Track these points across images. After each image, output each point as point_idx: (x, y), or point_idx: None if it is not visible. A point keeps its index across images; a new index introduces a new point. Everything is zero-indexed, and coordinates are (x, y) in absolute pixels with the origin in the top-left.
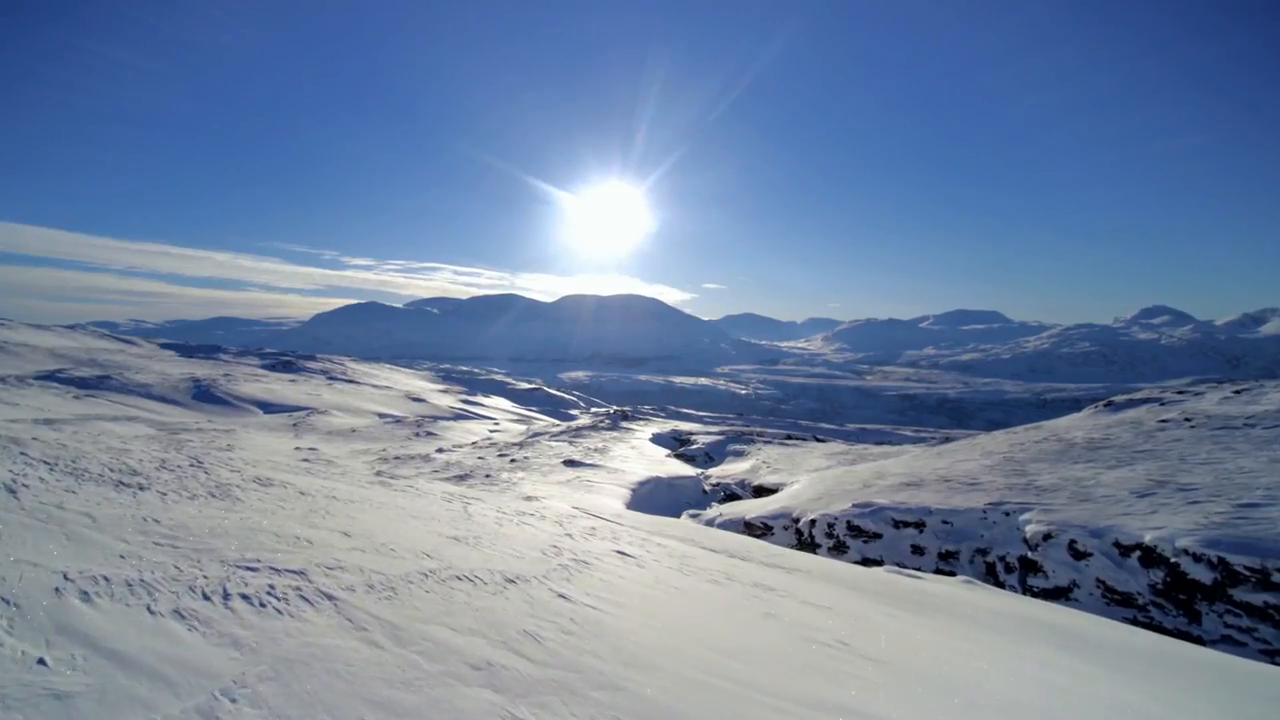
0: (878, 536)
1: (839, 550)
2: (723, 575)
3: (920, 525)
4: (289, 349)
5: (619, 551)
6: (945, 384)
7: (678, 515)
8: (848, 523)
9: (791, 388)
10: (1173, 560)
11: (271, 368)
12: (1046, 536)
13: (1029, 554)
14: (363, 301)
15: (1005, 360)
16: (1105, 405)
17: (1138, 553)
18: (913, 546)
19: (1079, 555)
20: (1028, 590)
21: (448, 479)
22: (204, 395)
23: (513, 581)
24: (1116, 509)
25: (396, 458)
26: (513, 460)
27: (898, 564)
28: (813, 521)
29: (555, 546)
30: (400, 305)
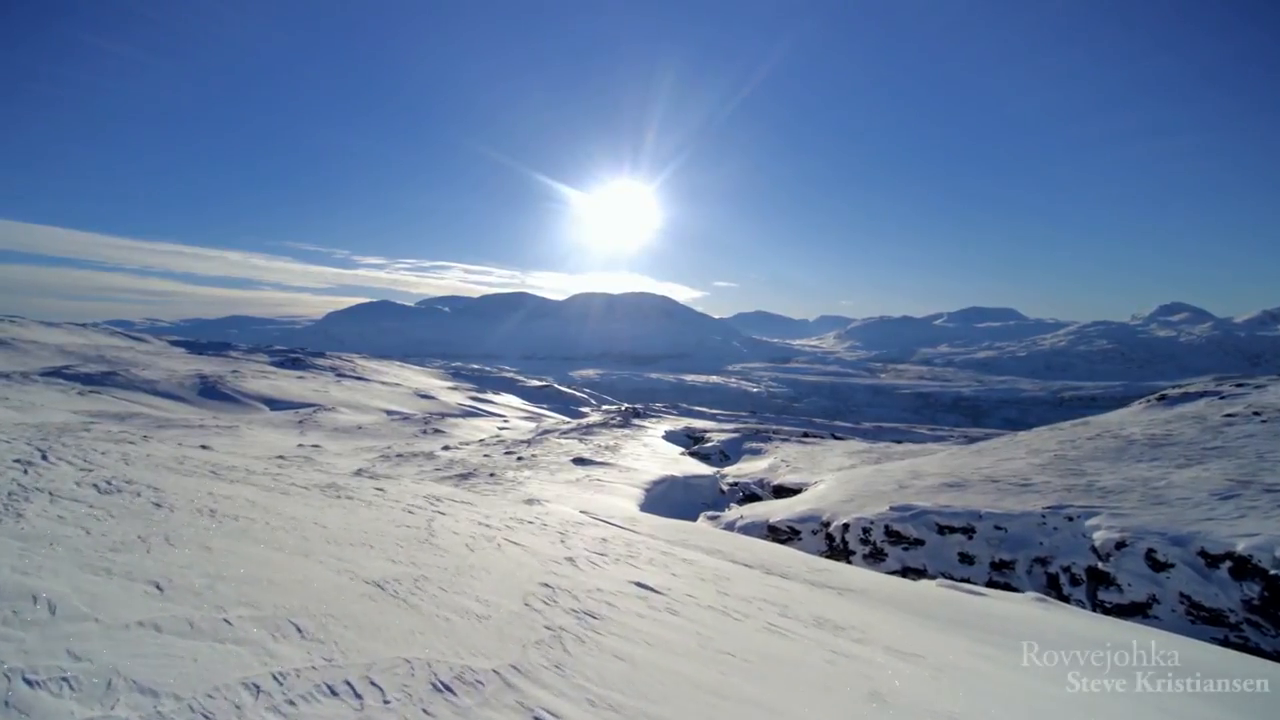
0: (920, 543)
1: (876, 558)
2: (776, 610)
3: (969, 531)
4: (302, 347)
5: (638, 584)
6: (960, 382)
7: (694, 517)
8: (885, 527)
9: (804, 386)
10: (1272, 572)
11: (280, 365)
12: (1119, 545)
13: (1099, 565)
14: (375, 300)
15: (1021, 358)
16: (1159, 399)
17: (1228, 563)
18: (961, 555)
19: (1158, 566)
20: (1098, 605)
21: (449, 478)
22: (210, 392)
23: (448, 688)
24: (1197, 513)
25: (399, 455)
26: (519, 458)
27: (944, 574)
28: (845, 525)
29: (547, 585)
30: (412, 304)
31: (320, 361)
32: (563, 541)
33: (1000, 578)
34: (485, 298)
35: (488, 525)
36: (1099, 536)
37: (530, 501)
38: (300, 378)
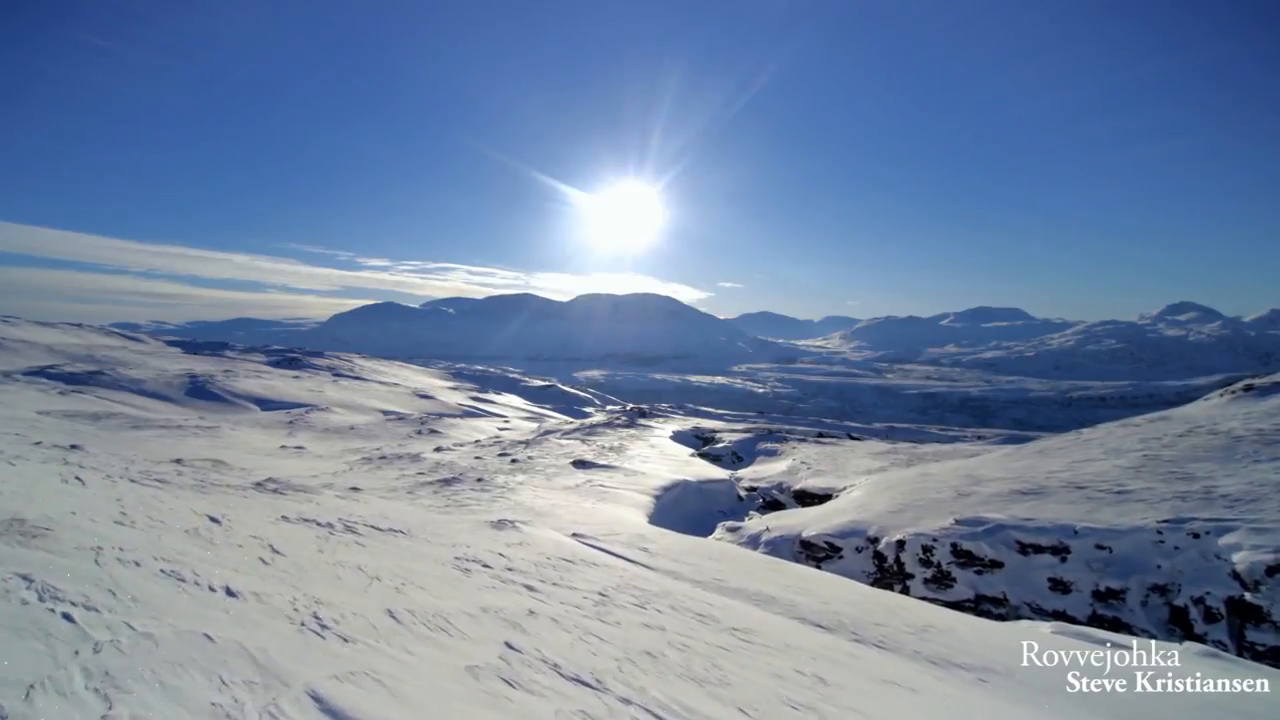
0: (997, 565)
1: (941, 583)
2: None
3: (1062, 551)
4: (301, 347)
5: None
6: (968, 382)
7: (710, 528)
8: (953, 545)
9: (810, 386)
10: None
11: (276, 364)
12: (1272, 570)
13: (1245, 595)
14: (379, 302)
15: (1029, 358)
16: (1245, 389)
17: None
18: (1051, 581)
19: None
20: (1245, 648)
21: (431, 483)
22: (199, 391)
23: None
24: None
25: (383, 457)
26: (514, 460)
27: (1030, 605)
28: (900, 542)
29: None
30: (416, 305)
31: (317, 361)
32: (510, 649)
33: (1106, 611)
34: (490, 299)
35: (344, 635)
36: (1241, 558)
37: (500, 524)
38: (296, 377)
